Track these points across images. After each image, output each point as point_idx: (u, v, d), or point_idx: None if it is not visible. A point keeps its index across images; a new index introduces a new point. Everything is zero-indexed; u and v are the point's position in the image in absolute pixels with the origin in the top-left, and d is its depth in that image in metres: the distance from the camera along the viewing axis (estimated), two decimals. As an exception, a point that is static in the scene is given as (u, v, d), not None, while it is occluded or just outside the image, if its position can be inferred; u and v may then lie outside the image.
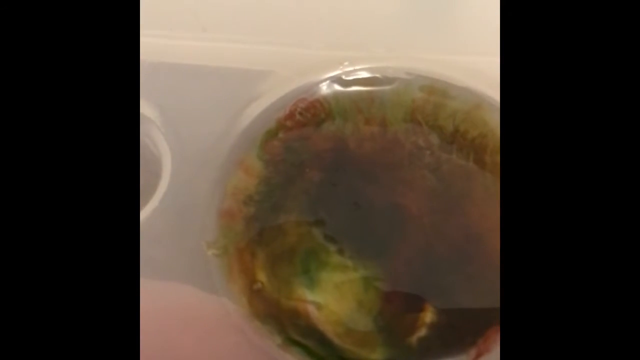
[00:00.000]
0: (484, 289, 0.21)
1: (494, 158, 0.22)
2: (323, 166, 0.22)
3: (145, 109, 0.23)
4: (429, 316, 0.20)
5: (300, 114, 0.23)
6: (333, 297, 0.21)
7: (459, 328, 0.20)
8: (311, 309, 0.21)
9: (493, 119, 0.22)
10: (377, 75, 0.23)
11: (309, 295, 0.21)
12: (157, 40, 0.24)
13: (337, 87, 0.23)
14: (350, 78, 0.23)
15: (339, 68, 0.23)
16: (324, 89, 0.23)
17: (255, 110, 0.23)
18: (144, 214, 0.22)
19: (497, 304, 0.20)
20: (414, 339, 0.20)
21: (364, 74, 0.23)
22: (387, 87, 0.23)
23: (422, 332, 0.20)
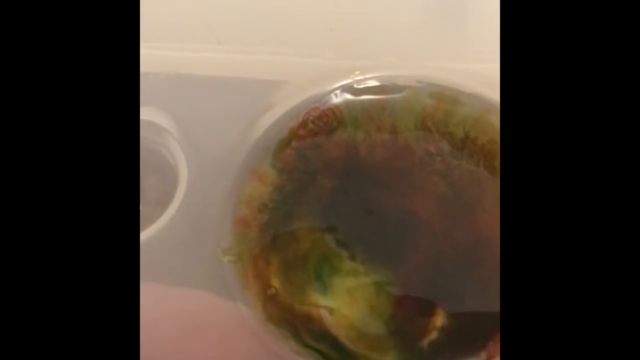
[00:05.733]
0: (494, 293, 0.21)
1: (504, 163, 0.22)
2: (335, 173, 0.22)
3: (162, 119, 0.24)
4: (439, 320, 0.21)
5: (313, 122, 0.23)
6: (345, 302, 0.21)
7: (470, 331, 0.20)
8: (324, 314, 0.21)
9: (503, 125, 0.22)
10: (388, 83, 0.23)
11: (322, 300, 0.21)
12: (174, 53, 0.25)
13: (349, 96, 0.23)
14: (362, 87, 0.23)
15: (350, 77, 0.24)
16: (336, 97, 0.23)
17: (268, 119, 0.23)
18: (162, 221, 0.22)
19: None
20: (425, 342, 0.21)
21: (375, 83, 0.23)
22: (397, 95, 0.23)
23: (433, 335, 0.21)
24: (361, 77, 0.24)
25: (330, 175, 0.22)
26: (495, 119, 0.22)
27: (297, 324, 0.21)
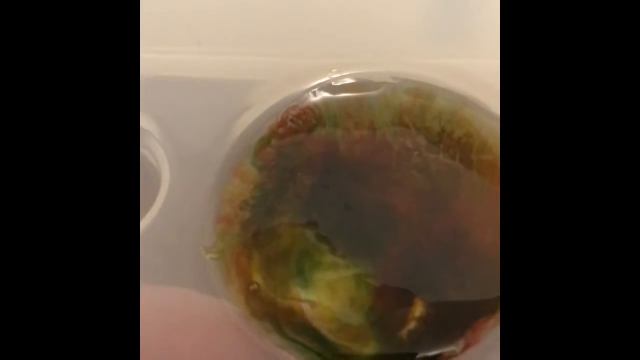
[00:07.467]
0: (472, 283, 0.21)
1: (480, 157, 0.22)
2: (315, 170, 0.23)
3: (144, 122, 0.24)
4: (418, 310, 0.21)
5: (292, 121, 0.23)
6: (326, 295, 0.21)
7: (448, 321, 0.21)
8: (306, 308, 0.21)
9: (477, 119, 0.23)
10: (365, 80, 0.24)
11: (304, 295, 0.21)
12: (154, 55, 0.25)
13: (327, 94, 0.24)
14: (339, 84, 0.24)
15: (328, 75, 0.24)
16: (314, 96, 0.24)
17: (248, 119, 0.24)
18: (145, 222, 0.23)
19: (484, 297, 0.21)
20: (404, 332, 0.21)
21: (352, 80, 0.24)
22: (374, 92, 0.24)
23: (412, 325, 0.21)
24: (338, 76, 0.24)
25: (311, 172, 0.23)
26: (470, 114, 0.23)
27: (280, 319, 0.21)
